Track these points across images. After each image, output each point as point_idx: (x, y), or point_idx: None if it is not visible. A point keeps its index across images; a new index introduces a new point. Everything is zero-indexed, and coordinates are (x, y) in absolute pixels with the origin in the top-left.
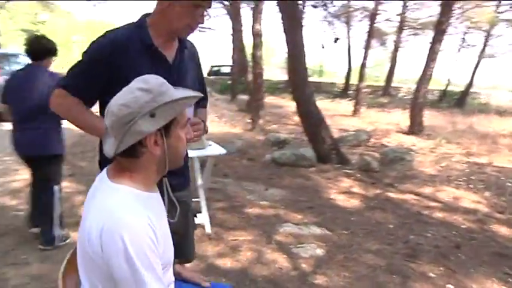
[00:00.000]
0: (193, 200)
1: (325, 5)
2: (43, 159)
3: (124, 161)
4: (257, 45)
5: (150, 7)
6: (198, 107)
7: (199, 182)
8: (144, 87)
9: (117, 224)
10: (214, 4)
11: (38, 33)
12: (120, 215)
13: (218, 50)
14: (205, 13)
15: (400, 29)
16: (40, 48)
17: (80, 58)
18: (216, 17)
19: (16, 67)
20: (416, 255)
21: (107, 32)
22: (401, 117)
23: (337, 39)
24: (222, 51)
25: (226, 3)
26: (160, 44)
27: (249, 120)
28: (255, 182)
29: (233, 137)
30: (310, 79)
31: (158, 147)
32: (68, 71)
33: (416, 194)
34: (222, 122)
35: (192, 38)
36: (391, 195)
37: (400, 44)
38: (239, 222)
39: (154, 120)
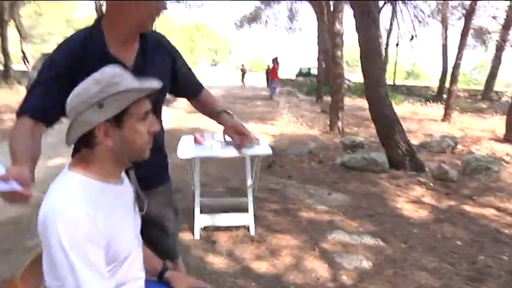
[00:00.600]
0: (241, 200)
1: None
2: None
3: (83, 151)
4: (337, 44)
5: (246, 6)
6: (191, 95)
7: (248, 182)
8: (96, 78)
9: (54, 211)
10: (301, 4)
11: None
12: (58, 203)
13: (307, 51)
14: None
15: (506, 26)
16: None
17: (36, 78)
18: (305, 17)
19: None
20: (482, 279)
21: (60, 43)
22: (499, 124)
23: (413, 37)
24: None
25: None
26: (118, 47)
27: (329, 122)
28: (319, 186)
29: (308, 139)
30: (404, 82)
31: (110, 138)
32: (25, 96)
33: (498, 209)
34: (299, 123)
35: (282, 39)
36: (467, 208)
37: (505, 43)
38: (288, 225)
39: (102, 111)
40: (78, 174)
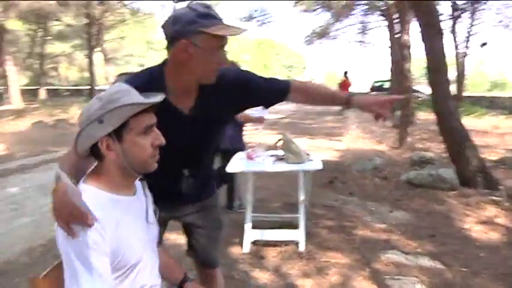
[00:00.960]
0: (293, 216)
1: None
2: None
3: (96, 165)
4: (405, 56)
5: (317, 21)
6: (282, 98)
7: (301, 197)
8: (100, 96)
9: None
10: (372, 17)
11: None
12: None
13: (381, 65)
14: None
15: None
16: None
17: None
18: (375, 30)
19: None
20: None
21: (126, 79)
22: None
23: (484, 44)
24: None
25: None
26: (177, 95)
27: (398, 137)
28: (380, 203)
29: (374, 154)
30: (488, 93)
31: (112, 151)
32: None
33: None
34: (367, 138)
35: (355, 53)
36: None
37: None
38: (340, 243)
39: (102, 127)
40: (90, 186)
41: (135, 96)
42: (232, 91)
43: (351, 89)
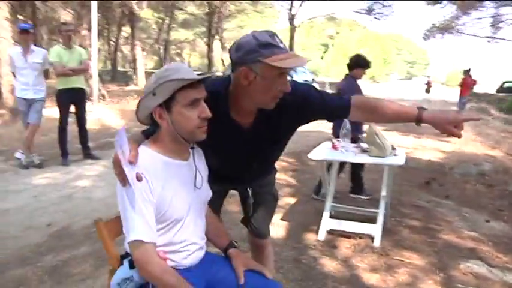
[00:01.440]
0: (374, 210)
1: None
2: None
3: (156, 131)
4: None
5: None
6: (342, 115)
7: (383, 192)
8: (156, 72)
9: None
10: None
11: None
12: None
13: None
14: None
15: None
16: (351, 61)
17: None
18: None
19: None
20: None
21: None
22: None
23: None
24: None
25: None
26: (239, 113)
27: None
28: (477, 210)
29: (482, 159)
30: None
31: (164, 120)
32: None
33: None
34: (479, 141)
35: (484, 50)
36: None
37: None
38: (420, 244)
39: (154, 98)
40: (148, 149)
41: (181, 73)
42: (292, 111)
43: (475, 89)
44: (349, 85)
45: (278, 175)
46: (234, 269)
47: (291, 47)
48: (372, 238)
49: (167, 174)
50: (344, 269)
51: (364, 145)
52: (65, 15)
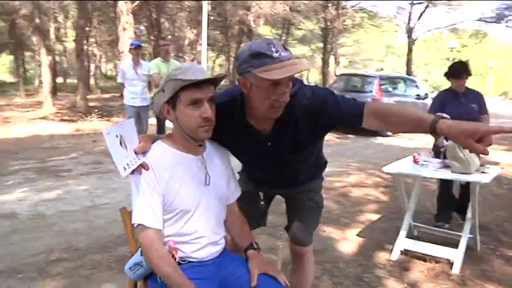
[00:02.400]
0: (459, 234)
1: None
2: None
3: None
4: None
5: None
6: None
7: (468, 214)
8: (170, 71)
9: None
10: None
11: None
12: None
13: None
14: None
15: None
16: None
17: None
18: None
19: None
20: None
21: (220, 94)
22: None
23: None
24: None
25: None
26: (257, 119)
27: None
28: None
29: None
30: None
31: (170, 116)
32: None
33: None
34: None
35: None
36: None
37: None
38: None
39: (163, 95)
40: (162, 143)
41: (189, 74)
42: (309, 117)
43: None
44: (435, 100)
45: (368, 191)
46: (250, 270)
47: (408, 62)
48: (451, 264)
49: (175, 166)
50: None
51: (447, 160)
52: (189, 33)
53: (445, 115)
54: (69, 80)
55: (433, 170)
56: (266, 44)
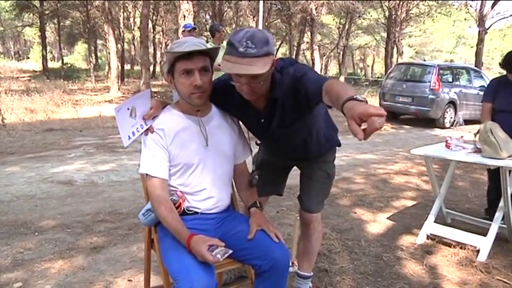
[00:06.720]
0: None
1: None
2: None
3: None
4: None
5: None
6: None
7: (501, 202)
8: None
9: None
10: None
11: None
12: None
13: None
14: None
15: None
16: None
17: None
18: None
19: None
20: None
21: (220, 77)
22: None
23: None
24: None
25: None
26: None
27: None
28: None
29: None
30: None
31: (172, 84)
32: None
33: None
34: None
35: None
36: None
37: None
38: None
39: (165, 65)
40: (171, 108)
41: (181, 47)
42: (290, 93)
43: None
44: (487, 88)
45: (410, 179)
46: (249, 225)
47: (478, 52)
48: (478, 252)
49: (180, 126)
50: (426, 276)
51: (480, 145)
52: (252, 22)
53: (360, 97)
54: (136, 67)
55: (464, 155)
56: (241, 37)
